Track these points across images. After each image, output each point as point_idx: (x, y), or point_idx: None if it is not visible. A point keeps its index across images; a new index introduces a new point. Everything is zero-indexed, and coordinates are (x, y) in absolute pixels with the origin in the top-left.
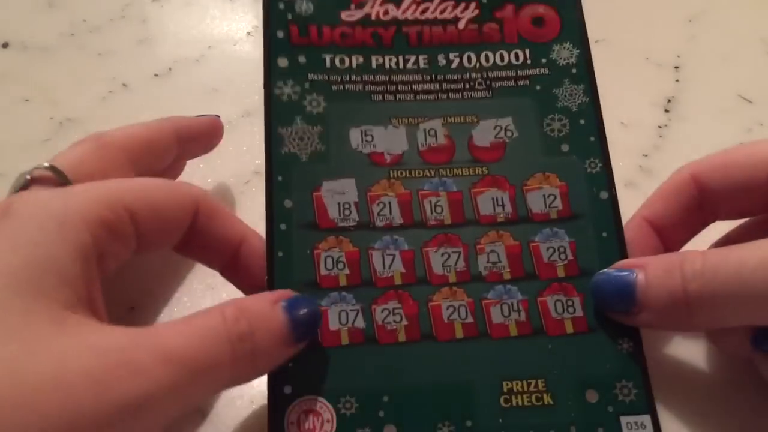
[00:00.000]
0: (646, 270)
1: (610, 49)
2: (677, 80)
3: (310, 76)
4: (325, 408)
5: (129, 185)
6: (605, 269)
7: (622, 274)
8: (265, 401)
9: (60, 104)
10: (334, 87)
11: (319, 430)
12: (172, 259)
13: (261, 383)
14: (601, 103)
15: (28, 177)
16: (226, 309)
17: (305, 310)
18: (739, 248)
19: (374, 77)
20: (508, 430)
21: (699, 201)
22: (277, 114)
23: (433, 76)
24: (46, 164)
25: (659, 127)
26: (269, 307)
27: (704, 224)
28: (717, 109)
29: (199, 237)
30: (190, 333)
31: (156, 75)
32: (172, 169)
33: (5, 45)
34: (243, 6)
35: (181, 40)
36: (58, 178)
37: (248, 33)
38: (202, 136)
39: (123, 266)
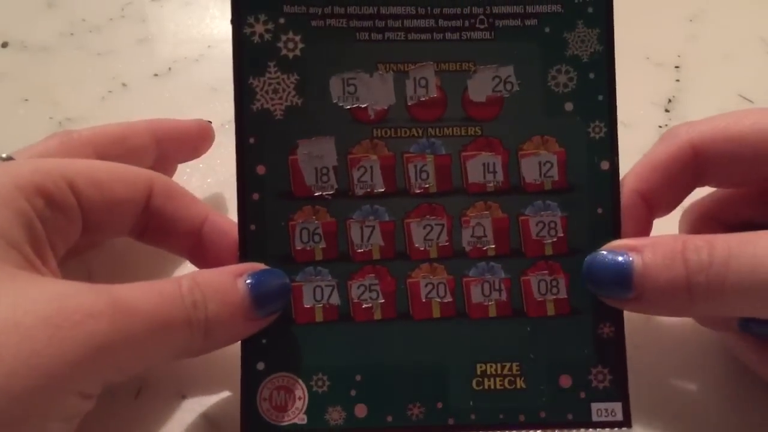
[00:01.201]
0: (644, 254)
1: None
2: (678, 80)
3: (286, 9)
4: (297, 385)
5: (70, 161)
6: (599, 250)
7: (617, 257)
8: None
9: (59, 104)
10: (313, 22)
11: (291, 406)
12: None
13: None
14: (614, 76)
15: None
16: (183, 278)
17: (270, 285)
18: (749, 239)
19: (360, 9)
20: (478, 412)
21: (695, 170)
22: (247, 60)
23: (429, 9)
24: (4, 155)
25: (660, 127)
26: (229, 280)
27: (691, 191)
28: (717, 108)
29: (158, 220)
30: (145, 292)
31: (156, 75)
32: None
33: (5, 45)
34: None
35: (181, 39)
36: None
37: None
38: (187, 139)
39: (78, 249)
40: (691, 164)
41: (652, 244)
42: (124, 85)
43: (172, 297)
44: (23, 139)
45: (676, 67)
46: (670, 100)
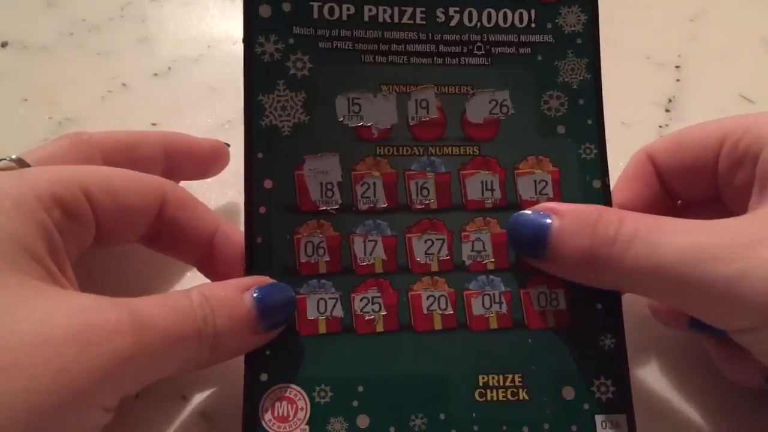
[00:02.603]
0: (563, 218)
1: (611, 49)
2: (678, 80)
3: (296, 30)
4: (299, 396)
5: (84, 168)
6: (525, 210)
7: (538, 218)
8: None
9: (59, 104)
10: (321, 44)
11: (293, 417)
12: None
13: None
14: (602, 102)
15: None
16: (193, 292)
17: (277, 299)
18: (657, 225)
19: (365, 32)
20: (481, 424)
21: (659, 181)
22: (257, 77)
23: (430, 35)
24: (14, 156)
25: (660, 126)
26: (236, 294)
27: (668, 203)
28: (718, 108)
29: (169, 229)
30: (161, 306)
31: (155, 74)
32: None
33: (4, 44)
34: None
35: (181, 39)
36: (21, 168)
37: None
38: (197, 157)
39: (87, 255)
40: (653, 175)
41: (574, 210)
42: (123, 85)
43: (185, 311)
44: (23, 139)
45: (677, 66)
46: (670, 100)
